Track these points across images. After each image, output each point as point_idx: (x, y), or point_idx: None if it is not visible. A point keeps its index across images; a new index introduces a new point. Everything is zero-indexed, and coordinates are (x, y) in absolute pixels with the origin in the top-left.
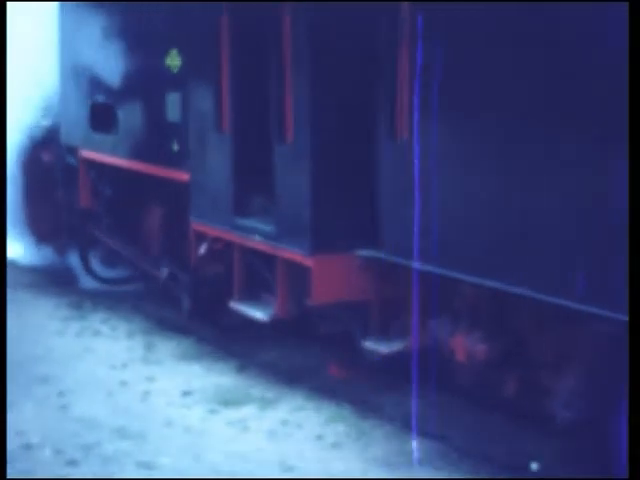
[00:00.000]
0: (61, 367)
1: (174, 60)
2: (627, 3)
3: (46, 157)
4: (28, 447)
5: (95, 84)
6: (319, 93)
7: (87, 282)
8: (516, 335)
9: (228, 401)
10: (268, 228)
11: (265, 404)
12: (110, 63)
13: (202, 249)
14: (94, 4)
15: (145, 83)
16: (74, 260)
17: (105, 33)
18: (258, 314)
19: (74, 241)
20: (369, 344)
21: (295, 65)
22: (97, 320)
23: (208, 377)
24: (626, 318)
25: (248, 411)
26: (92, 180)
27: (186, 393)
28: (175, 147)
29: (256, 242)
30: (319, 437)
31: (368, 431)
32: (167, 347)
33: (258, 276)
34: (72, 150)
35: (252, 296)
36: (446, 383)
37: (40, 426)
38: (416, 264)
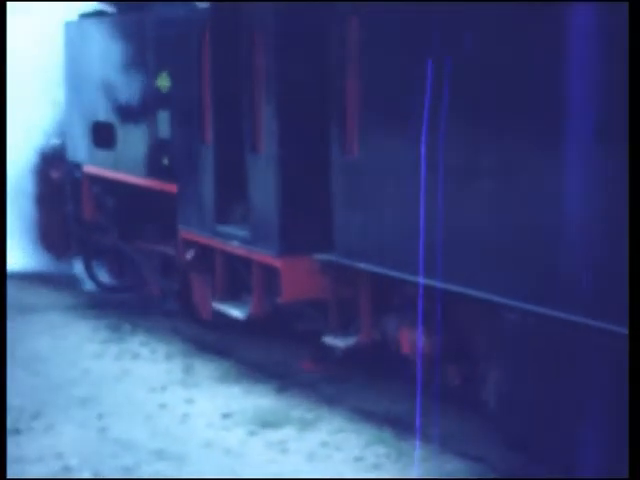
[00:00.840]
0: (100, 390)
1: (164, 81)
2: (627, 3)
3: (55, 173)
4: (67, 469)
5: (97, 104)
6: (285, 108)
7: (91, 288)
8: (455, 329)
9: (267, 423)
10: (244, 233)
11: (304, 425)
12: (110, 84)
13: (189, 255)
14: (95, 28)
15: (140, 103)
16: (80, 268)
17: (105, 56)
18: (236, 312)
19: (80, 250)
20: (328, 339)
21: (265, 82)
22: (136, 343)
23: (247, 399)
24: (542, 310)
25: (287, 433)
26: (95, 194)
27: (225, 415)
28: (165, 161)
29: (234, 247)
30: (358, 459)
31: (408, 452)
32: (206, 369)
33: (238, 278)
34: (78, 166)
35: (233, 296)
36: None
37: (79, 448)
38: (362, 265)
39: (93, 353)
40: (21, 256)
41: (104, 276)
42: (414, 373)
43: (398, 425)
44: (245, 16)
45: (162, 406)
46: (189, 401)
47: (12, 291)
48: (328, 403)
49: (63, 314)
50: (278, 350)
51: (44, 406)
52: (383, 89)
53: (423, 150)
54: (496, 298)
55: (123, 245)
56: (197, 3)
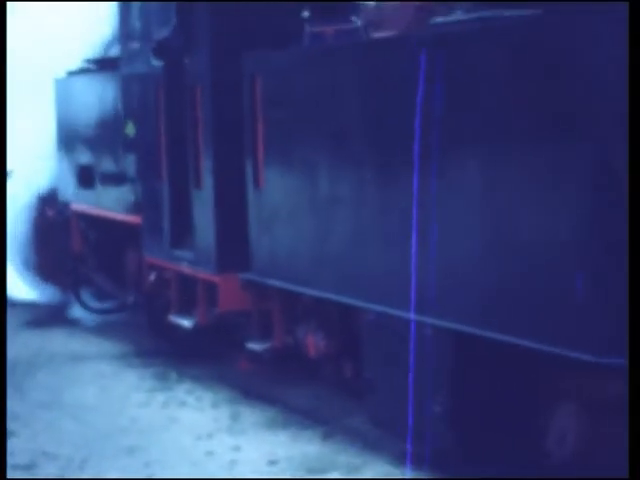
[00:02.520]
0: (147, 438)
1: (130, 129)
2: (627, 3)
3: (50, 212)
4: None
5: (80, 150)
6: (219, 149)
7: (79, 313)
8: (349, 334)
9: (314, 469)
10: (191, 256)
11: (351, 470)
12: (90, 132)
13: (152, 276)
14: (78, 83)
15: (113, 147)
16: (70, 296)
17: (85, 108)
18: (185, 322)
19: (69, 280)
20: (250, 344)
21: (203, 128)
22: (182, 391)
23: (294, 445)
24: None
25: (334, 478)
26: (82, 228)
27: (272, 462)
28: (132, 197)
29: (184, 267)
30: None
31: None
32: (252, 416)
33: (190, 294)
34: (67, 204)
35: (187, 310)
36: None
37: None
38: (271, 282)
39: (140, 402)
40: (22, 286)
41: (92, 302)
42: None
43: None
44: (189, 73)
45: (209, 454)
46: (236, 448)
47: (62, 339)
48: (373, 448)
49: (110, 363)
50: (323, 396)
51: (91, 455)
52: (280, 133)
53: (308, 184)
54: (353, 301)
55: (103, 273)
56: (153, 61)
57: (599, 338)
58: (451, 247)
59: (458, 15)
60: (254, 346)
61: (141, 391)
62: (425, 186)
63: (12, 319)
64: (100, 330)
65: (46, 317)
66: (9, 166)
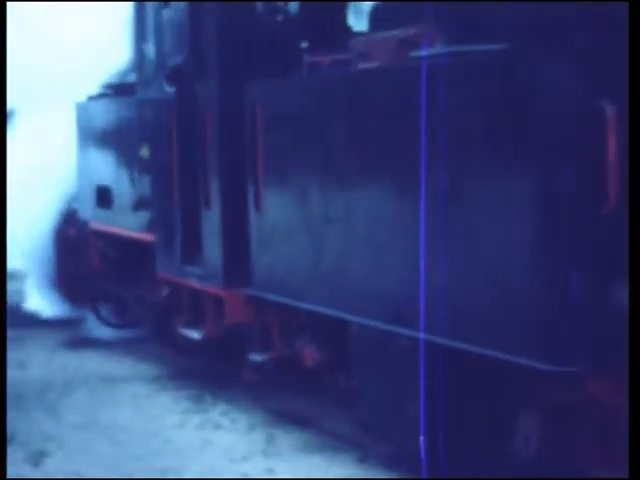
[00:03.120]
0: (181, 460)
1: (145, 152)
2: (627, 3)
3: (72, 231)
4: None
5: (99, 171)
6: (227, 172)
7: (100, 328)
8: (341, 345)
9: None
10: (200, 272)
11: None
12: (108, 154)
13: (165, 291)
14: (97, 108)
15: (129, 169)
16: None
17: (104, 131)
18: (194, 334)
19: (88, 296)
20: (251, 356)
21: (212, 151)
22: (217, 413)
23: (329, 469)
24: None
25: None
26: (100, 246)
27: None
28: (147, 216)
29: (193, 282)
30: None
31: None
32: (288, 439)
33: (200, 308)
34: (86, 223)
35: (196, 324)
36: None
37: None
38: (270, 297)
39: (174, 423)
40: (45, 303)
41: (111, 317)
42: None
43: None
44: (199, 99)
45: (243, 476)
46: (270, 471)
47: (96, 360)
48: (410, 473)
49: (145, 385)
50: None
51: (125, 477)
52: (278, 158)
53: (303, 206)
54: (339, 314)
55: (120, 289)
56: (166, 87)
57: (553, 349)
58: (424, 264)
59: (436, 48)
60: (255, 357)
61: (175, 413)
62: (403, 208)
63: (47, 340)
64: (134, 352)
65: (81, 338)
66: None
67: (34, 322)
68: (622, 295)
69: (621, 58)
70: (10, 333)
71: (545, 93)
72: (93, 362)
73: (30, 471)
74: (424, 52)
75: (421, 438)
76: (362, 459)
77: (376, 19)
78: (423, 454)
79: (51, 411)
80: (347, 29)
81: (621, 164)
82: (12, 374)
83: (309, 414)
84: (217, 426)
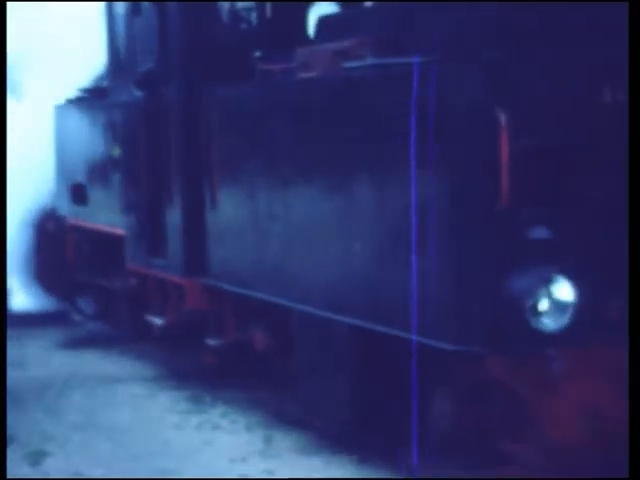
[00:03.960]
0: (180, 461)
1: (116, 152)
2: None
3: (50, 226)
4: None
5: (75, 169)
6: (187, 170)
7: (77, 318)
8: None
9: None
10: (164, 263)
11: None
12: (83, 153)
13: (133, 281)
14: (74, 110)
15: (103, 168)
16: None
17: (80, 131)
18: (157, 321)
19: (66, 288)
20: (207, 340)
21: (174, 150)
22: (216, 414)
23: (328, 470)
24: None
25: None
26: (76, 240)
27: None
28: (119, 212)
29: (159, 272)
30: None
31: None
32: (287, 440)
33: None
34: (63, 218)
35: (161, 311)
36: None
37: None
38: (224, 286)
39: (174, 424)
40: (24, 296)
41: (88, 309)
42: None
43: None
44: (164, 102)
45: (242, 477)
46: (269, 472)
47: (95, 361)
48: (410, 474)
49: (144, 385)
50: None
51: (125, 477)
52: (231, 159)
53: (252, 203)
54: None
55: (95, 281)
56: (135, 91)
57: (455, 331)
58: (350, 257)
59: (366, 60)
60: (210, 341)
61: (175, 413)
62: (333, 205)
63: (45, 341)
64: (133, 352)
65: (80, 338)
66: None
67: (32, 321)
68: (515, 284)
69: (522, 69)
70: (8, 332)
71: (448, 102)
72: (92, 362)
73: (29, 471)
74: (353, 64)
75: (413, 428)
76: (361, 460)
77: (321, 30)
78: (415, 444)
79: (50, 411)
80: (306, 38)
81: (512, 166)
82: (11, 374)
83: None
84: (216, 427)
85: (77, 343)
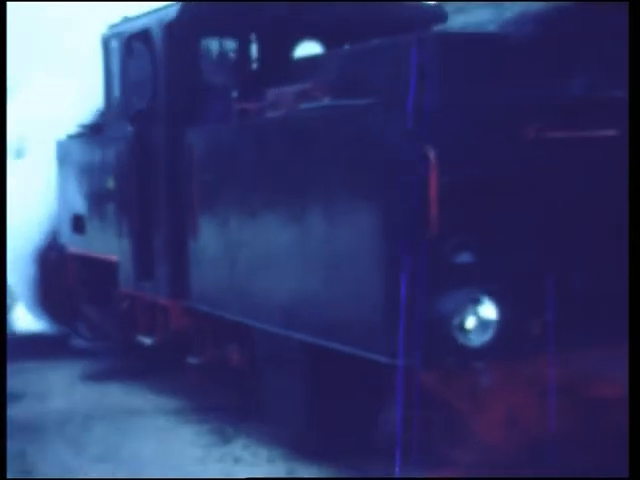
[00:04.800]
0: None
1: (111, 184)
2: (627, 3)
3: (52, 255)
4: None
5: (74, 201)
6: (171, 203)
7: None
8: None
9: None
10: (152, 286)
11: None
12: (81, 185)
13: (125, 304)
14: (74, 145)
15: (99, 199)
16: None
17: (79, 165)
18: (147, 341)
19: (67, 313)
20: (189, 359)
21: (162, 185)
22: (238, 446)
23: None
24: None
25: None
26: (76, 268)
27: None
28: (112, 239)
29: (147, 295)
30: None
31: None
32: (308, 472)
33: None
34: (64, 247)
35: (151, 331)
36: None
37: None
38: (201, 307)
39: (196, 457)
40: (30, 320)
41: (86, 332)
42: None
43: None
44: (154, 139)
45: None
46: None
47: (118, 392)
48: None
49: (167, 418)
50: (376, 453)
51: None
52: (208, 193)
53: (224, 233)
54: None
55: (92, 305)
56: (128, 127)
57: (391, 346)
58: (301, 280)
59: (322, 102)
60: (192, 360)
61: (197, 446)
62: (285, 234)
63: (67, 372)
64: (156, 383)
65: (101, 371)
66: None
67: (53, 352)
68: (444, 304)
69: (451, 109)
70: (30, 364)
71: (385, 141)
72: (114, 394)
73: None
74: (309, 105)
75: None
76: None
77: (294, 71)
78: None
79: (72, 443)
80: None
81: (441, 197)
82: (32, 406)
83: (329, 448)
84: (238, 460)
85: (99, 375)
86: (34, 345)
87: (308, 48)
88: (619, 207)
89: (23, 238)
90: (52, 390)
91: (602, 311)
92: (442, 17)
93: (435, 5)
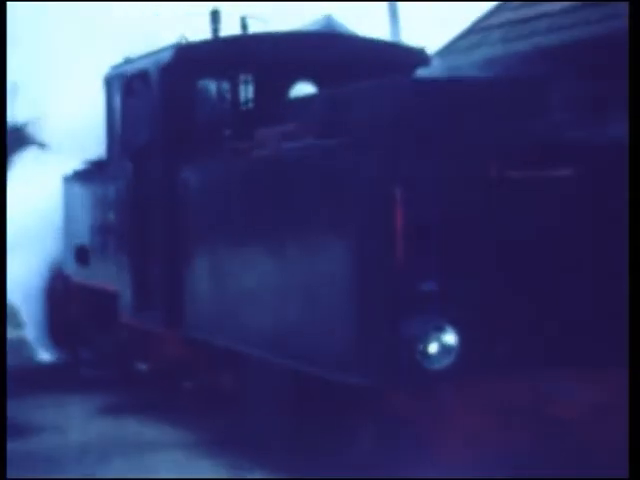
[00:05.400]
0: None
1: (112, 217)
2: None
3: (60, 285)
4: None
5: (78, 234)
6: (167, 236)
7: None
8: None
9: None
10: (149, 316)
11: None
12: (85, 219)
13: (124, 333)
14: (78, 181)
15: (100, 232)
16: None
17: (82, 199)
18: (143, 367)
19: (72, 342)
20: (184, 383)
21: (157, 219)
22: None
23: None
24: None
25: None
26: (80, 298)
27: None
28: (112, 271)
29: (144, 325)
30: None
31: None
32: None
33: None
34: (69, 278)
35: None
36: None
37: None
38: (196, 335)
39: None
40: (38, 348)
41: (88, 360)
42: None
43: None
44: (151, 175)
45: None
46: None
47: (135, 425)
48: None
49: (184, 451)
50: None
51: None
52: (201, 226)
53: (214, 267)
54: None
55: (94, 334)
56: (127, 164)
57: (361, 368)
58: (282, 309)
59: (302, 142)
60: (186, 384)
61: None
62: (270, 265)
63: (85, 405)
64: (173, 417)
65: (119, 404)
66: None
67: (70, 385)
68: (408, 330)
69: (418, 151)
70: (48, 398)
71: (356, 180)
72: (131, 427)
73: None
74: (290, 145)
75: None
76: None
77: (283, 112)
78: None
79: (90, 476)
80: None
81: (406, 233)
82: (50, 438)
83: (296, 461)
84: None
85: (115, 407)
86: (48, 377)
87: (306, 88)
88: (576, 242)
89: (31, 269)
90: (69, 423)
91: (560, 337)
92: (426, 61)
93: (419, 49)
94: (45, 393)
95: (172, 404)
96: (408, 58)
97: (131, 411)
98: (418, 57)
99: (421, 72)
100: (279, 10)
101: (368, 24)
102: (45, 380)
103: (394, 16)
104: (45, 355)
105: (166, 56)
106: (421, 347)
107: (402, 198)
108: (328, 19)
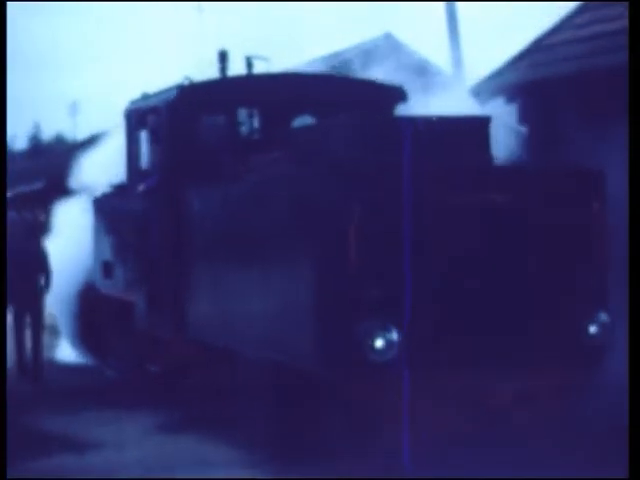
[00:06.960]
0: None
1: (131, 236)
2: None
3: (90, 296)
4: None
5: (105, 250)
6: (173, 252)
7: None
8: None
9: None
10: (159, 323)
11: None
12: (109, 237)
13: (140, 339)
14: (107, 204)
15: (122, 249)
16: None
17: (108, 220)
18: (153, 368)
19: (100, 347)
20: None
21: (167, 237)
22: None
23: None
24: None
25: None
26: (107, 307)
27: None
28: (131, 285)
29: (155, 331)
30: None
31: None
32: None
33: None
34: (97, 289)
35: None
36: None
37: None
38: (198, 338)
39: None
40: (70, 351)
41: (114, 364)
42: None
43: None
44: (159, 197)
45: None
46: None
47: (192, 443)
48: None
49: (241, 470)
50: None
51: None
52: (203, 242)
53: (213, 277)
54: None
55: (118, 341)
56: (141, 187)
57: (319, 359)
58: (264, 312)
59: (287, 167)
60: (188, 380)
61: None
62: (256, 276)
63: (144, 421)
64: (230, 435)
65: (178, 420)
66: None
67: (130, 401)
68: (358, 328)
69: (375, 172)
70: (106, 413)
71: (321, 202)
72: (189, 444)
73: None
74: (271, 171)
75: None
76: None
77: (279, 142)
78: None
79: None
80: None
81: (358, 246)
82: (108, 455)
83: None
84: None
85: (175, 425)
86: (110, 393)
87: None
88: (504, 257)
89: (66, 279)
90: (128, 440)
91: (490, 338)
92: (404, 97)
93: (398, 87)
94: (106, 408)
95: (224, 419)
96: (388, 97)
97: (187, 428)
98: (398, 95)
99: (400, 108)
100: (281, 49)
101: (427, 40)
102: (107, 396)
103: (452, 19)
104: (77, 358)
105: (172, 95)
106: (369, 343)
107: (357, 214)
108: (387, 36)
